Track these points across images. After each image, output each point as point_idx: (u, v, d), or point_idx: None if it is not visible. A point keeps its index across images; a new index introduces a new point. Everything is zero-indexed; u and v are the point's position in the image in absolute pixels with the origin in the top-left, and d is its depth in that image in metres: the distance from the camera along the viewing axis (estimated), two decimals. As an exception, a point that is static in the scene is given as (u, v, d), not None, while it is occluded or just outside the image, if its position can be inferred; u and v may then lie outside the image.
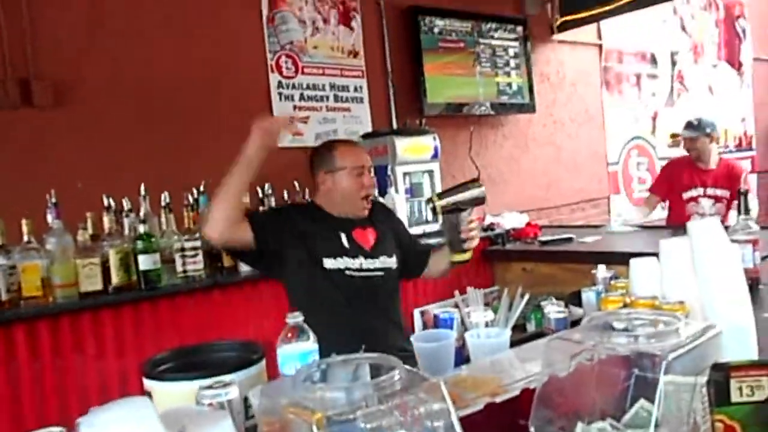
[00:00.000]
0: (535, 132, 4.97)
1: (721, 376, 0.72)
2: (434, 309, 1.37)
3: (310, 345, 1.11)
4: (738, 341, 1.22)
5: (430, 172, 3.69)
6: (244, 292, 2.73)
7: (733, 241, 1.94)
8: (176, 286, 2.55)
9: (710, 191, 3.83)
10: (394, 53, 4.09)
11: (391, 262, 2.03)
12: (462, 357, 1.29)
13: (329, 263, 1.93)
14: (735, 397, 0.73)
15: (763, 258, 1.96)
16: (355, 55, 3.96)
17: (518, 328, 1.87)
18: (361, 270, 1.96)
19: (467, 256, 1.85)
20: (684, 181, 3.92)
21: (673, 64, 6.20)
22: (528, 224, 3.95)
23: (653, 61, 6.00)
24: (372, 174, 2.07)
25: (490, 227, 3.73)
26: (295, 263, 1.94)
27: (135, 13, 3.07)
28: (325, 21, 3.84)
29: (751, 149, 7.11)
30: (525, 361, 1.08)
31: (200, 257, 2.59)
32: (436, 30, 4.23)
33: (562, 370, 0.79)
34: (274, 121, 2.08)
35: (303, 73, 3.72)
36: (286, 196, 3.01)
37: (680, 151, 6.14)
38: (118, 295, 2.41)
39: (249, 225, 1.87)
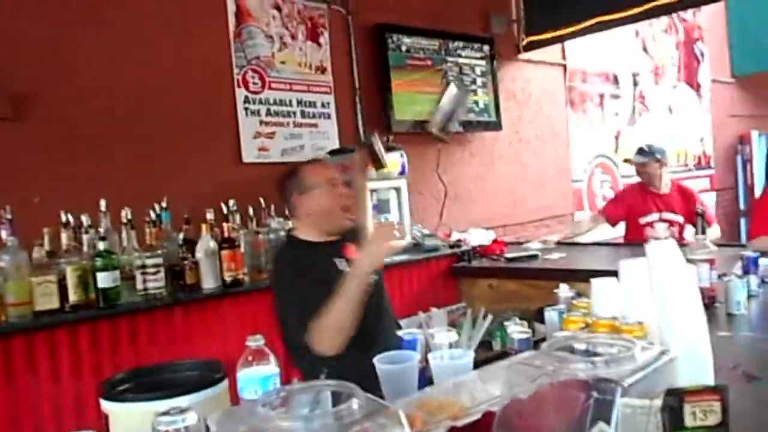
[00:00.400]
0: (501, 149, 5.03)
1: (676, 401, 0.73)
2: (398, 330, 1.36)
3: (271, 369, 1.09)
4: (693, 361, 1.24)
5: (398, 189, 3.70)
6: (207, 309, 2.68)
7: (690, 260, 2.00)
8: (136, 304, 2.49)
9: (666, 215, 3.96)
10: (362, 70, 4.11)
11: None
12: (425, 379, 1.28)
13: None
14: (689, 421, 0.74)
15: (720, 276, 2.01)
16: (323, 71, 3.96)
17: (484, 345, 1.87)
18: None
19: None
20: (640, 206, 4.08)
21: (635, 84, 6.37)
22: (494, 241, 3.98)
23: (615, 81, 6.15)
24: (347, 185, 2.06)
25: (457, 244, 3.75)
26: None
27: (98, 28, 3.02)
28: (293, 37, 3.84)
29: (710, 168, 7.32)
30: (487, 382, 1.07)
31: (162, 274, 2.54)
32: (403, 47, 4.27)
33: (522, 393, 0.79)
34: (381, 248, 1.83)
35: (270, 88, 3.70)
36: (251, 212, 2.97)
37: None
38: (76, 314, 2.34)
39: None
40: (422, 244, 3.55)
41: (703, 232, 2.05)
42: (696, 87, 7.15)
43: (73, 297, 2.34)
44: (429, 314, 1.48)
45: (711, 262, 1.99)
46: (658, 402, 0.74)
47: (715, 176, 7.40)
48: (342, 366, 1.37)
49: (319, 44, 3.95)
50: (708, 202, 5.51)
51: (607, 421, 0.84)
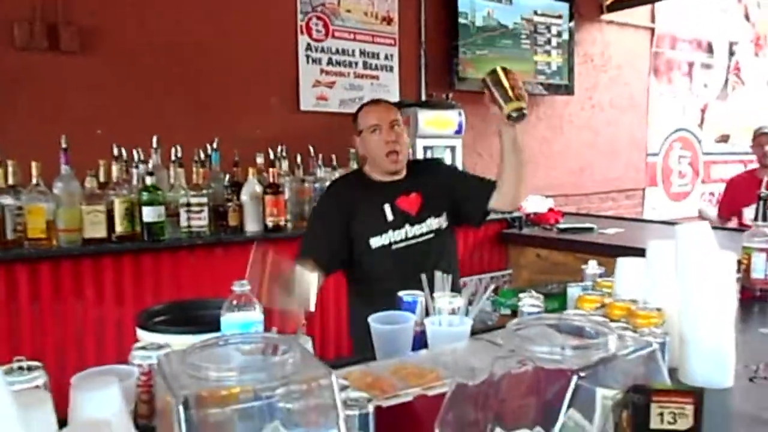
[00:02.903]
0: (571, 115, 4.80)
1: (641, 398, 0.66)
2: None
3: (254, 315, 1.09)
4: (710, 358, 1.15)
5: (452, 148, 3.61)
6: (247, 251, 2.69)
7: (745, 247, 1.84)
8: (179, 240, 2.57)
9: None
10: (430, 23, 3.97)
11: (440, 221, 2.02)
12: (422, 343, 1.25)
13: (375, 241, 1.95)
14: (654, 423, 0.67)
15: (776, 268, 1.84)
16: (389, 21, 3.86)
17: (514, 313, 1.81)
18: (406, 239, 1.97)
19: (518, 104, 1.72)
20: None
21: (731, 54, 5.88)
22: (550, 210, 3.83)
23: (709, 49, 5.70)
24: (395, 128, 1.99)
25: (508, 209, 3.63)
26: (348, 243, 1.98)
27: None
28: (361, -16, 3.75)
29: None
30: (476, 354, 1.02)
31: (205, 214, 2.60)
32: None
33: (481, 373, 0.75)
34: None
35: (333, 36, 3.65)
36: (298, 159, 2.98)
37: (726, 147, 5.88)
38: (121, 244, 2.44)
39: (324, 274, 1.82)
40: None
41: (765, 218, 1.87)
42: (803, 61, 6.52)
43: (119, 228, 2.43)
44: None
45: (768, 251, 1.83)
46: (620, 396, 0.68)
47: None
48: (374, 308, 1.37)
49: (387, -7, 3.85)
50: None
51: (582, 410, 0.79)
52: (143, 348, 0.98)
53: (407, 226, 1.97)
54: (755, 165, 3.94)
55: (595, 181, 4.98)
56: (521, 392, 0.75)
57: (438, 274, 1.27)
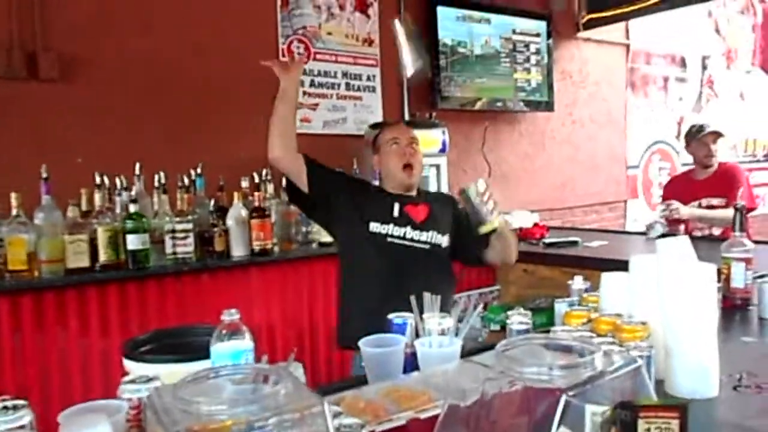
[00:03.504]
0: (552, 131, 4.86)
1: (628, 415, 0.67)
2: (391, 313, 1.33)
3: (244, 344, 1.08)
4: (694, 370, 1.16)
5: (437, 166, 3.64)
6: (234, 277, 2.72)
7: (724, 258, 1.87)
8: (165, 268, 2.55)
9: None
10: (411, 43, 4.02)
11: (441, 239, 2.08)
12: (412, 364, 1.25)
13: (375, 226, 2.01)
14: (643, 438, 0.68)
15: (756, 277, 1.87)
16: (370, 43, 3.90)
17: (503, 329, 1.83)
18: (404, 239, 2.02)
19: (491, 226, 1.83)
20: None
21: (704, 68, 6.01)
22: (535, 225, 3.87)
23: (683, 64, 5.82)
24: (413, 145, 2.11)
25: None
26: (343, 217, 2.06)
27: (144, -6, 3.07)
28: (341, 7, 3.79)
29: (780, 160, 6.87)
30: (467, 375, 1.02)
31: (191, 240, 2.59)
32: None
33: (472, 394, 0.75)
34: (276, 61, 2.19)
35: (315, 59, 3.68)
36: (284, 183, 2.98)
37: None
38: (105, 273, 2.42)
39: (304, 162, 2.03)
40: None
41: (741, 228, 1.90)
42: (773, 72, 6.68)
43: (103, 257, 2.42)
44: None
45: (747, 261, 1.86)
46: (608, 413, 0.69)
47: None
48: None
49: (367, 15, 3.89)
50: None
51: (573, 427, 0.80)
52: (132, 381, 0.97)
53: (409, 228, 2.04)
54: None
55: (578, 195, 5.04)
56: (512, 412, 0.76)
57: (426, 295, 1.28)
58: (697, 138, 3.60)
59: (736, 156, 6.17)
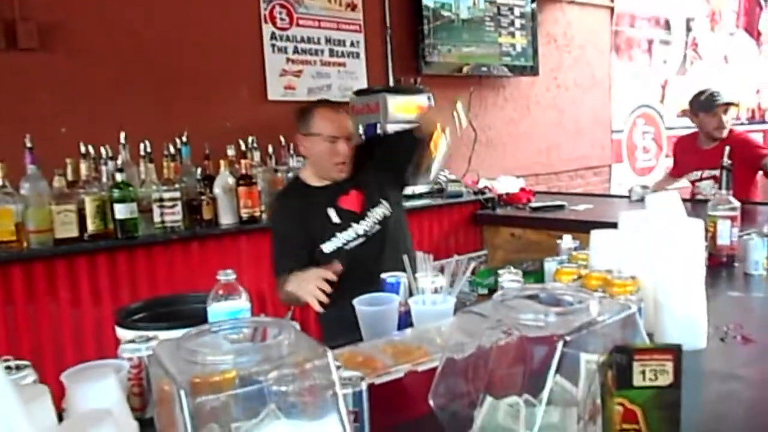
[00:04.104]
0: (537, 95, 4.86)
1: (624, 358, 0.69)
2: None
3: (241, 303, 1.09)
4: (683, 322, 1.19)
5: (423, 133, 3.62)
6: (223, 245, 2.72)
7: (711, 216, 1.91)
8: (153, 237, 2.54)
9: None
10: (395, 8, 3.97)
11: (383, 210, 2.05)
12: (407, 323, 1.27)
13: (327, 247, 1.99)
14: (637, 380, 0.70)
15: (741, 235, 1.91)
16: (353, 8, 3.85)
17: (492, 291, 1.86)
18: (357, 237, 2.00)
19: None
20: None
21: (688, 30, 6.00)
22: (522, 189, 3.89)
23: (667, 26, 5.81)
24: (351, 141, 2.02)
25: (481, 191, 3.68)
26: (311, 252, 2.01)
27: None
28: (324, -29, 3.72)
29: (764, 122, 6.94)
30: (463, 327, 1.04)
31: (179, 208, 2.57)
32: (439, -15, 4.09)
33: (471, 344, 0.77)
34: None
35: (298, 24, 3.63)
36: (270, 150, 2.96)
37: (687, 122, 6.02)
38: (94, 243, 2.41)
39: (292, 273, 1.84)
40: (445, 190, 3.51)
41: (728, 187, 1.93)
42: (756, 35, 6.69)
43: (91, 227, 2.40)
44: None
45: (733, 219, 1.90)
46: (605, 357, 0.71)
47: (768, 131, 7.02)
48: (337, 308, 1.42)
49: (350, -20, 3.83)
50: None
51: (568, 376, 0.82)
52: (132, 341, 0.98)
53: (354, 225, 2.00)
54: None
55: (563, 160, 5.06)
56: (509, 361, 0.78)
57: (419, 254, 1.29)
58: (709, 110, 3.32)
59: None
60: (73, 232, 2.36)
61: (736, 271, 1.89)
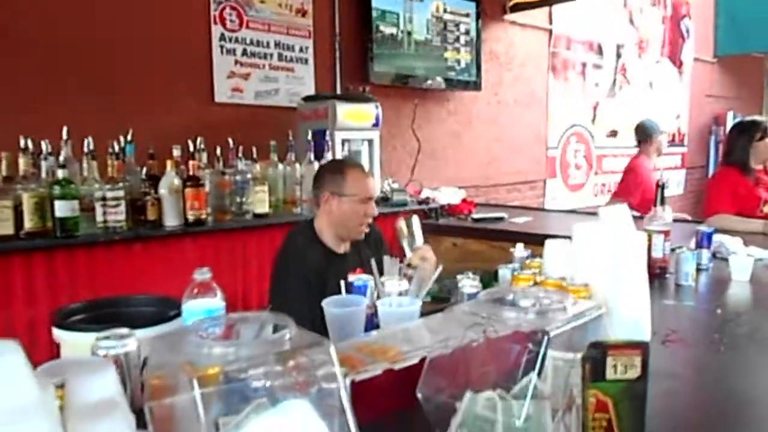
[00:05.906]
0: (479, 110, 5.01)
1: (599, 353, 0.75)
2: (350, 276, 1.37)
3: (216, 302, 1.09)
4: (632, 325, 1.28)
5: (370, 141, 3.67)
6: (167, 247, 2.66)
7: (646, 230, 2.04)
8: (95, 236, 2.45)
9: None
10: (344, 16, 4.01)
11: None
12: (373, 325, 1.30)
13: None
14: (610, 374, 0.76)
15: (672, 249, 2.05)
16: (304, 14, 3.86)
17: (442, 300, 1.92)
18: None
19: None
20: None
21: (618, 56, 6.35)
22: (463, 200, 4.00)
23: (599, 51, 6.12)
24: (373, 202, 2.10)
25: (425, 201, 3.76)
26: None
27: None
28: (275, -25, 3.72)
29: (683, 145, 7.41)
30: (432, 331, 1.09)
31: (122, 208, 2.50)
32: (388, -3, 4.17)
33: (456, 340, 0.81)
34: None
35: (248, 27, 3.61)
36: (218, 152, 2.93)
37: (615, 142, 6.35)
38: (31, 241, 2.30)
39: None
40: (390, 198, 3.56)
41: (662, 203, 2.08)
42: (678, 64, 7.16)
43: (28, 224, 2.29)
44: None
45: (666, 233, 2.04)
46: (580, 355, 0.76)
47: (686, 154, 7.50)
48: None
49: (301, -15, 3.84)
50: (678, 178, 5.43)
51: (533, 371, 0.87)
52: (107, 338, 0.96)
53: None
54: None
55: (502, 173, 5.23)
56: (490, 357, 0.82)
57: (387, 258, 1.32)
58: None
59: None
60: (9, 230, 2.26)
61: (667, 282, 2.03)
